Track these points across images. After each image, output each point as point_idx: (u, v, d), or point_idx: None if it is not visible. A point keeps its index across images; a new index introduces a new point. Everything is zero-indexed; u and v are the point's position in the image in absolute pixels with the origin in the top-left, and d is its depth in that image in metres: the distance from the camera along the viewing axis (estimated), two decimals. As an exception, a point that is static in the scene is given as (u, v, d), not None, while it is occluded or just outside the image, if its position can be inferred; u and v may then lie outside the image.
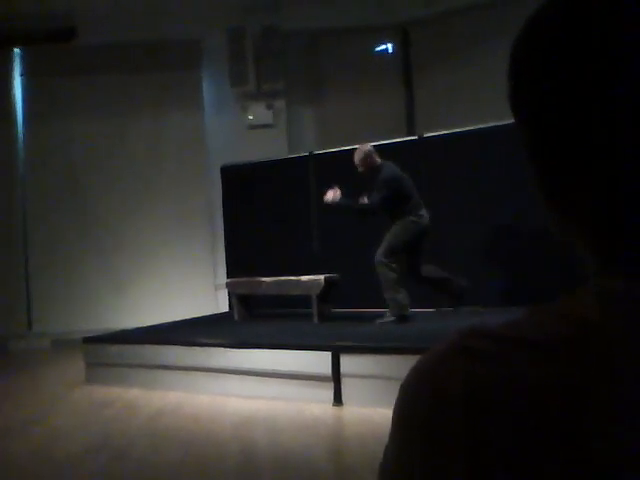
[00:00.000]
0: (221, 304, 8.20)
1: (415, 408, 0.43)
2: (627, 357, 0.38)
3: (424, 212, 5.46)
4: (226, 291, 7.18)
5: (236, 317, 6.57)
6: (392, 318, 5.40)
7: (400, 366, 3.92)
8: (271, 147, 8.13)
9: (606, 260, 0.44)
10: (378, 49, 9.00)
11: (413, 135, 7.20)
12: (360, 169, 5.44)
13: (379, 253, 5.39)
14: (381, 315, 5.52)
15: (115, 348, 5.59)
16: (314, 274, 6.05)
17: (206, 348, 5.10)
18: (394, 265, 5.35)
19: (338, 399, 4.46)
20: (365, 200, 5.39)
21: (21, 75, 8.99)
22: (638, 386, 0.37)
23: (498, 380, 0.39)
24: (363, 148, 5.47)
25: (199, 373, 5.09)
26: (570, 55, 0.42)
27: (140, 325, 6.70)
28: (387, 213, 5.42)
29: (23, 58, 8.96)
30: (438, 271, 5.60)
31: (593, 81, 0.41)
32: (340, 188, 5.49)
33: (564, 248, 0.49)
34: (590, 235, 0.44)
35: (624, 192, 0.41)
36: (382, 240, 5.43)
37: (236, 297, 6.63)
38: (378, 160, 5.45)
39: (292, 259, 6.96)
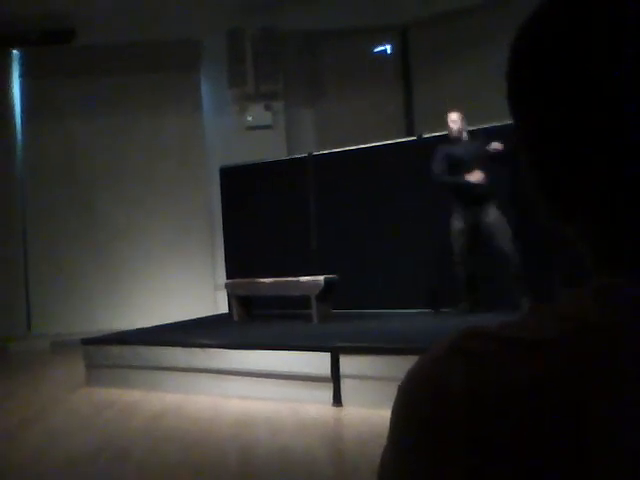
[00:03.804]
0: (220, 305, 8.20)
1: (414, 410, 0.42)
2: (627, 356, 0.38)
3: None
4: (225, 292, 7.17)
5: (235, 318, 6.56)
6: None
7: (399, 367, 3.92)
8: (270, 148, 8.14)
9: (606, 259, 0.43)
10: (377, 50, 9.01)
11: (412, 136, 7.20)
12: (455, 126, 5.52)
13: (512, 248, 5.26)
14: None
15: (115, 349, 5.59)
16: (313, 275, 6.05)
17: (206, 349, 5.10)
18: None
19: (337, 400, 4.45)
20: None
21: (20, 76, 8.99)
22: (636, 384, 0.37)
23: (498, 381, 0.39)
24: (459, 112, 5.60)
25: (199, 374, 5.09)
26: (571, 53, 0.42)
27: (140, 326, 6.70)
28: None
29: (22, 59, 8.96)
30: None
31: (596, 79, 0.41)
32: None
33: (564, 247, 0.49)
34: (591, 234, 0.44)
35: (626, 191, 0.41)
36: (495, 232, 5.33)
37: (235, 298, 6.63)
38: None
39: (291, 260, 6.96)
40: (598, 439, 0.36)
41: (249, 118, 8.72)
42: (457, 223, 5.47)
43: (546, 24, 0.44)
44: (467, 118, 5.67)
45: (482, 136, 5.47)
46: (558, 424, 0.37)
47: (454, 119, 5.57)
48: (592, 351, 0.38)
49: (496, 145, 5.30)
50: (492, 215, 5.34)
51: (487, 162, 5.35)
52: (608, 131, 0.41)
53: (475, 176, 5.32)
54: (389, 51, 8.99)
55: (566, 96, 0.42)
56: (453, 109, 5.67)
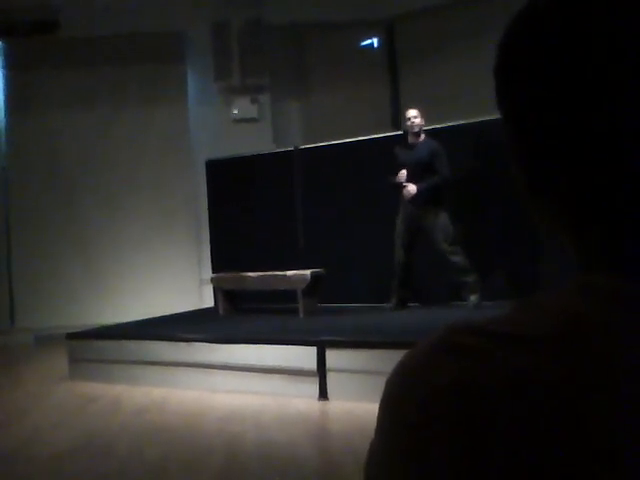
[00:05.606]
0: (206, 299, 8.16)
1: (404, 404, 0.42)
2: (624, 348, 0.38)
3: None
4: (211, 287, 7.15)
5: (221, 312, 6.55)
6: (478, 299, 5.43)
7: (385, 360, 3.93)
8: (256, 141, 8.10)
9: (604, 258, 0.43)
10: (364, 43, 8.99)
11: (398, 130, 7.20)
12: (416, 121, 5.61)
13: (451, 249, 5.46)
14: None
15: (99, 344, 5.56)
16: (300, 269, 6.05)
17: (191, 343, 5.09)
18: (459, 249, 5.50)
19: (323, 394, 4.46)
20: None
21: (3, 68, 8.87)
22: (631, 378, 0.37)
23: (490, 375, 0.39)
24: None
25: (184, 368, 5.07)
26: (570, 48, 0.41)
27: (124, 321, 6.66)
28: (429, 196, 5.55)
29: (5, 50, 8.83)
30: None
31: (590, 74, 0.40)
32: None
33: (548, 243, 0.48)
34: (589, 233, 0.44)
35: (627, 189, 0.40)
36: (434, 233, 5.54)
37: (221, 292, 6.61)
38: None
39: (278, 254, 6.95)
40: (597, 433, 0.36)
41: (235, 111, 8.67)
42: (398, 223, 5.76)
43: (542, 18, 0.43)
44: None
45: (431, 147, 5.59)
46: (555, 419, 0.37)
47: (414, 114, 5.67)
48: (587, 344, 0.38)
49: (411, 189, 5.53)
50: (434, 218, 5.53)
51: (426, 171, 5.53)
52: (608, 129, 0.40)
53: (407, 189, 5.55)
54: (376, 44, 8.98)
55: (565, 93, 0.41)
56: (411, 106, 5.81)
